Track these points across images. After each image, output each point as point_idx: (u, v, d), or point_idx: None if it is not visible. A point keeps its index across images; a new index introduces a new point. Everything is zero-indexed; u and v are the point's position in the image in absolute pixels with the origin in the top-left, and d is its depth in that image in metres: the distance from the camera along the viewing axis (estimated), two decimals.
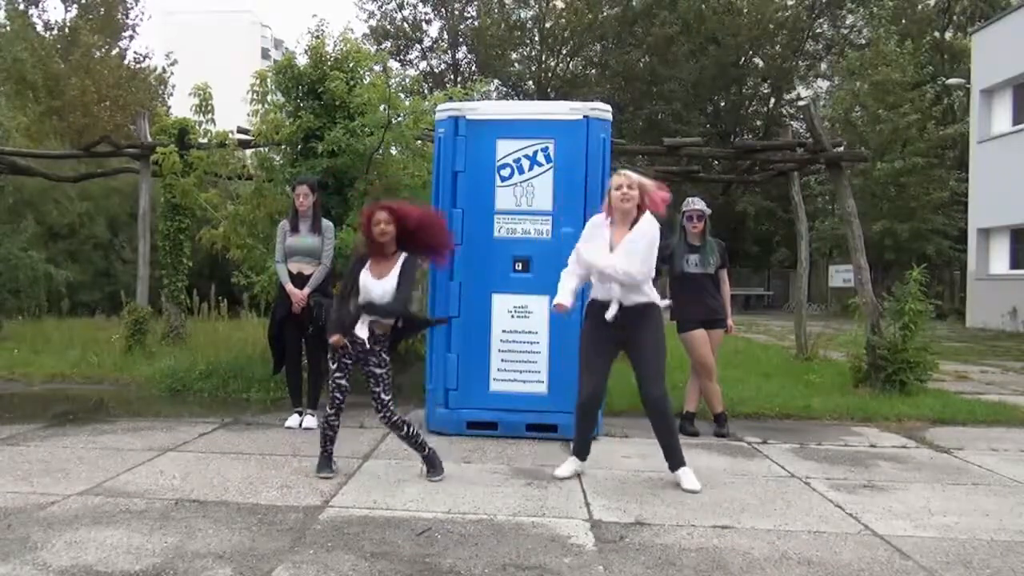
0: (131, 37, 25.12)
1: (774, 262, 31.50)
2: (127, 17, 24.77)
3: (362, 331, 4.35)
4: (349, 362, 4.43)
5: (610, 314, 4.39)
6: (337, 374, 4.44)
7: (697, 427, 5.98)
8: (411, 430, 4.47)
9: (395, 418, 4.42)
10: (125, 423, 5.95)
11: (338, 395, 4.45)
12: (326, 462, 4.53)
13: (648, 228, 4.38)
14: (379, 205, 4.48)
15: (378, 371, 4.35)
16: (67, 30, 23.14)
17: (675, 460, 4.51)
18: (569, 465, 4.67)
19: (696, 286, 5.92)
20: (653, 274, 4.47)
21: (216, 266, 12.20)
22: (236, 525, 3.62)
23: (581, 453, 4.71)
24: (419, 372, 6.10)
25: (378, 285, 4.31)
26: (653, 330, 4.47)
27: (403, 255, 4.39)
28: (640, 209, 4.41)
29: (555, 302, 4.52)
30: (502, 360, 5.61)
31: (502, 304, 5.61)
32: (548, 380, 5.56)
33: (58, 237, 15.15)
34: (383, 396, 4.36)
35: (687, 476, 4.45)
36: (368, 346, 4.35)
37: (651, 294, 4.46)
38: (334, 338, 4.37)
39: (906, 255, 21.20)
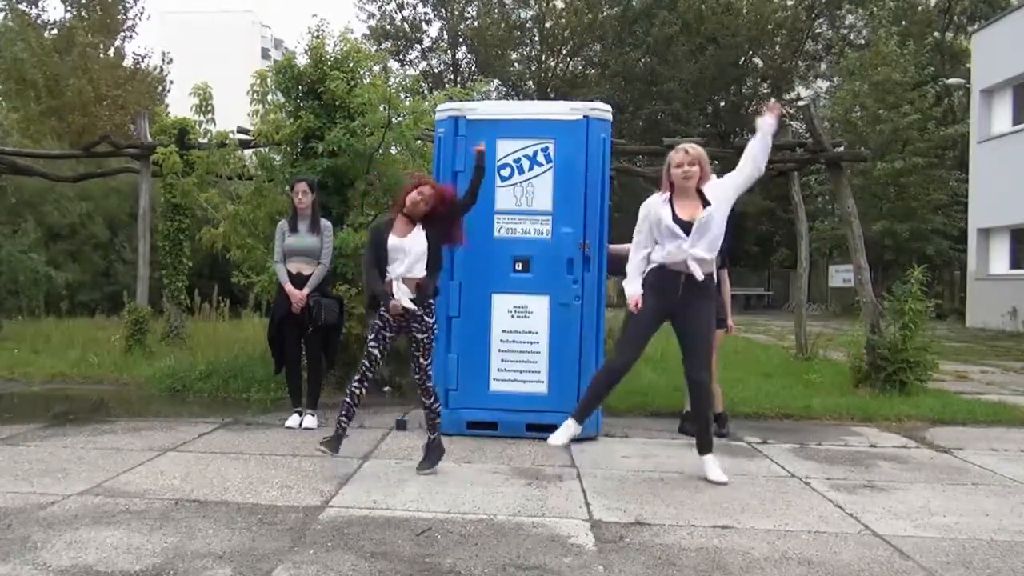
0: (129, 37, 25.10)
1: (774, 262, 31.51)
2: (126, 16, 24.75)
3: (406, 300, 4.47)
4: (388, 334, 4.55)
5: (697, 272, 4.38)
6: (372, 342, 4.54)
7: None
8: (437, 405, 4.64)
9: (429, 383, 4.59)
10: (125, 423, 5.95)
11: (367, 363, 4.55)
12: (336, 440, 4.53)
13: (719, 192, 4.44)
14: (426, 180, 4.71)
15: (420, 336, 4.53)
16: (67, 29, 23.10)
17: (704, 445, 4.64)
18: (565, 431, 4.52)
19: None
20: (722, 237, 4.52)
21: (216, 266, 12.19)
22: (236, 525, 3.61)
23: (582, 416, 4.59)
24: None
25: (404, 242, 4.50)
26: (708, 310, 4.55)
27: (419, 225, 4.55)
28: (702, 180, 4.47)
29: (630, 294, 4.51)
30: (502, 360, 5.61)
31: (502, 304, 5.61)
32: (548, 380, 5.56)
33: (58, 237, 15.15)
34: (422, 361, 4.55)
35: (712, 465, 4.58)
36: (416, 313, 4.49)
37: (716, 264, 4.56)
38: (392, 304, 4.45)
39: (906, 255, 21.21)
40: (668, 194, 4.51)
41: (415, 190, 4.56)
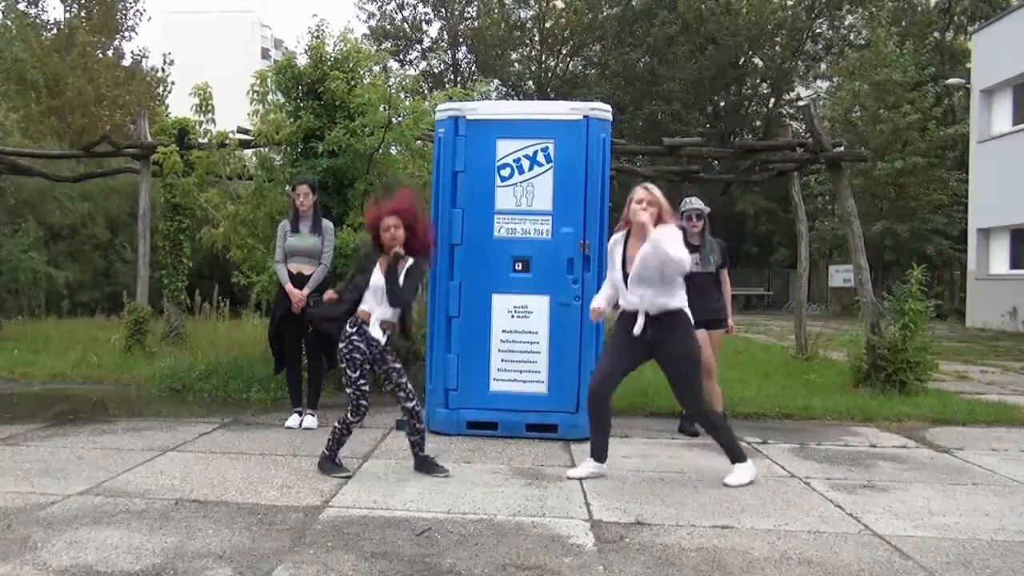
0: (128, 37, 25.14)
1: (774, 262, 31.50)
2: (126, 16, 24.75)
3: (376, 331, 4.42)
4: (368, 367, 4.46)
5: (637, 329, 4.42)
6: (361, 381, 4.41)
7: (697, 427, 5.97)
8: (421, 426, 4.55)
9: (412, 402, 4.49)
10: (125, 423, 5.95)
11: (364, 402, 4.43)
12: (334, 464, 4.54)
13: (670, 232, 4.41)
14: (387, 209, 4.44)
15: (397, 364, 4.52)
16: (66, 30, 23.10)
17: (734, 457, 4.57)
18: (585, 467, 4.63)
19: (696, 286, 5.88)
20: (685, 269, 4.47)
21: (216, 266, 12.19)
22: (236, 525, 3.61)
23: (596, 454, 4.63)
24: (419, 372, 6.10)
25: (380, 278, 4.41)
26: (682, 340, 4.48)
27: (411, 260, 4.42)
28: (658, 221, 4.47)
29: (592, 306, 4.63)
30: (502, 360, 5.61)
31: (502, 304, 5.61)
32: (548, 380, 5.56)
33: (59, 237, 15.15)
34: (408, 383, 4.51)
35: (735, 473, 4.51)
36: (383, 344, 4.46)
37: (683, 299, 4.49)
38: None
39: (906, 255, 21.21)
40: (625, 231, 4.53)
41: (378, 228, 4.40)
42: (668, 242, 4.29)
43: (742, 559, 3.34)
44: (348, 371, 4.42)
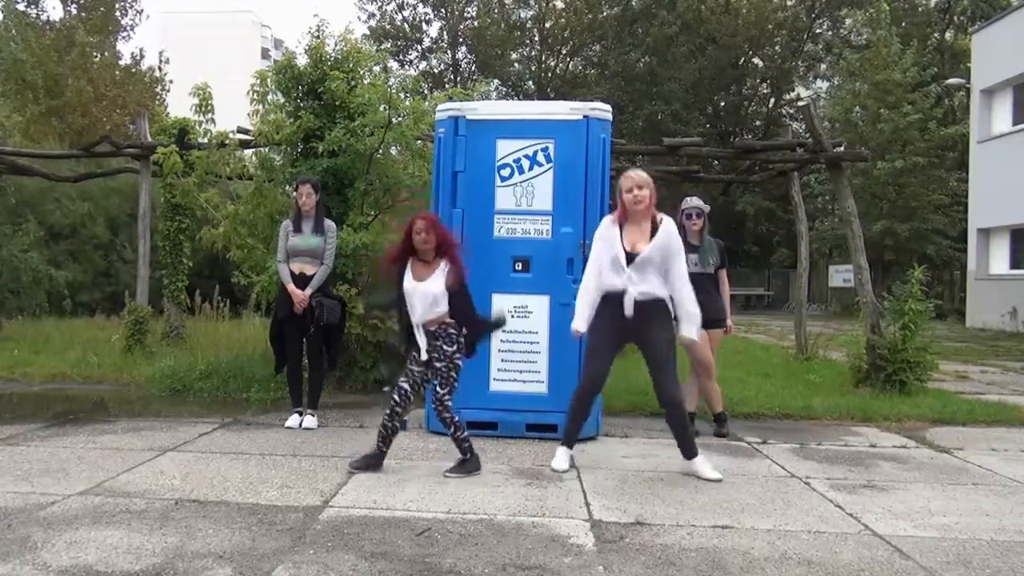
0: (127, 37, 25.15)
1: (774, 262, 31.51)
2: (125, 16, 24.76)
3: (420, 340, 4.51)
4: (417, 369, 4.54)
5: (628, 310, 4.47)
6: (402, 378, 4.57)
7: (697, 427, 5.97)
8: (459, 432, 4.55)
9: (447, 414, 4.51)
10: (125, 423, 5.95)
11: (395, 397, 4.54)
12: (374, 460, 4.61)
13: (664, 240, 4.50)
14: (419, 215, 4.63)
15: (438, 365, 4.50)
16: (65, 30, 23.09)
17: (689, 451, 4.67)
18: (563, 456, 4.76)
19: (695, 286, 5.86)
20: (685, 273, 4.58)
21: (216, 266, 12.19)
22: (236, 525, 3.62)
23: (571, 441, 4.80)
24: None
25: (420, 287, 4.47)
26: (666, 328, 4.56)
27: (443, 263, 4.51)
28: (651, 206, 4.54)
29: (573, 327, 4.64)
30: (502, 360, 5.61)
31: (502, 304, 5.60)
32: (548, 380, 5.56)
33: (59, 237, 15.16)
34: (439, 389, 4.50)
35: (703, 466, 4.62)
36: (431, 349, 4.50)
37: (663, 289, 4.54)
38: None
39: (906, 255, 21.22)
40: (618, 217, 4.58)
41: (411, 232, 4.53)
42: (694, 320, 4.54)
43: (742, 559, 3.34)
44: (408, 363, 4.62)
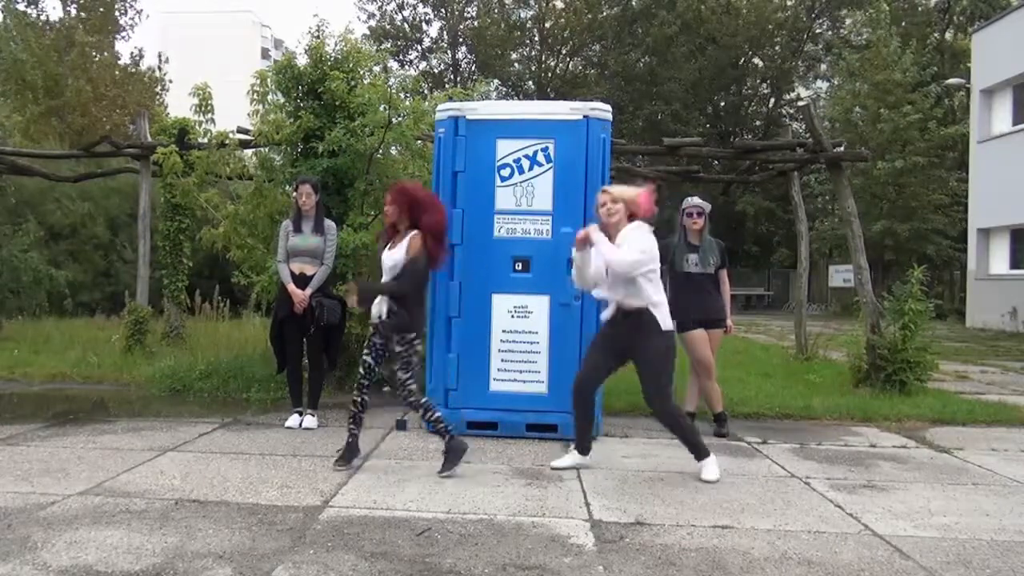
0: (127, 37, 25.17)
1: (774, 262, 31.51)
2: (125, 16, 24.75)
3: (375, 308, 4.56)
4: (378, 341, 4.61)
5: (605, 315, 4.63)
6: (365, 351, 4.67)
7: (697, 427, 5.97)
8: (430, 414, 4.59)
9: (411, 398, 4.58)
10: (125, 423, 5.96)
11: (361, 370, 4.66)
12: (348, 452, 4.68)
13: (631, 233, 4.51)
14: (390, 187, 4.78)
15: (398, 348, 4.55)
16: (64, 29, 23.08)
17: (699, 454, 4.66)
18: (568, 458, 4.81)
19: (696, 286, 5.91)
20: (656, 270, 4.56)
21: (216, 266, 12.19)
22: (236, 525, 3.62)
23: (580, 447, 4.83)
24: (419, 372, 6.10)
25: (388, 256, 4.60)
26: (652, 341, 4.53)
27: (412, 232, 4.56)
28: (631, 219, 4.58)
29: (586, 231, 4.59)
30: (502, 360, 5.61)
31: (502, 304, 5.61)
32: (548, 380, 5.56)
33: (59, 237, 15.16)
34: (399, 374, 4.55)
35: (707, 467, 4.60)
36: (383, 322, 4.55)
37: (648, 299, 4.50)
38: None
39: (906, 255, 21.21)
40: (602, 226, 4.61)
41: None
42: (606, 246, 4.43)
43: (742, 559, 3.34)
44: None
